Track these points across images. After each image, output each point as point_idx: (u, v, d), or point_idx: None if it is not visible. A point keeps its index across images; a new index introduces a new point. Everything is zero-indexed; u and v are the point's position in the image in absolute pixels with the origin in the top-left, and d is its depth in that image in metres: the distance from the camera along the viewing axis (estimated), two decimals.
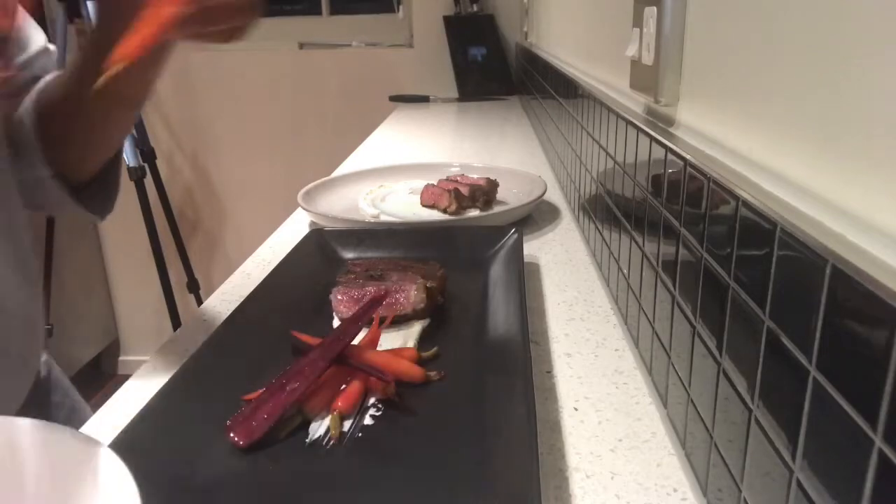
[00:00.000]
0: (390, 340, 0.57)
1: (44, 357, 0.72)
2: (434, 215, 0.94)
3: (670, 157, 0.46)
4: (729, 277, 0.35)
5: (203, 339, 0.55)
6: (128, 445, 0.39)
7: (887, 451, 0.21)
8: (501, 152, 1.40)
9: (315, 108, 2.37)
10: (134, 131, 2.03)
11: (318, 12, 2.47)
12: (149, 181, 2.06)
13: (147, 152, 2.07)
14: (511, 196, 0.99)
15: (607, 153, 0.69)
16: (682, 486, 0.42)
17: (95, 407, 0.57)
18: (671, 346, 0.46)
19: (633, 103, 0.63)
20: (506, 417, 0.44)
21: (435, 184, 0.99)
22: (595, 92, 0.78)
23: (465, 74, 2.17)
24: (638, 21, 0.57)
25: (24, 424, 0.38)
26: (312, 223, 0.93)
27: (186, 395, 0.48)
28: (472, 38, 2.19)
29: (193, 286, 2.27)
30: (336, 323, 0.62)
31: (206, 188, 2.48)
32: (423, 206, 0.98)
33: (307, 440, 0.45)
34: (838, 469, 0.25)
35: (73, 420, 0.72)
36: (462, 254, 0.74)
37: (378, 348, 0.56)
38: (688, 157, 0.42)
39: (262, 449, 0.44)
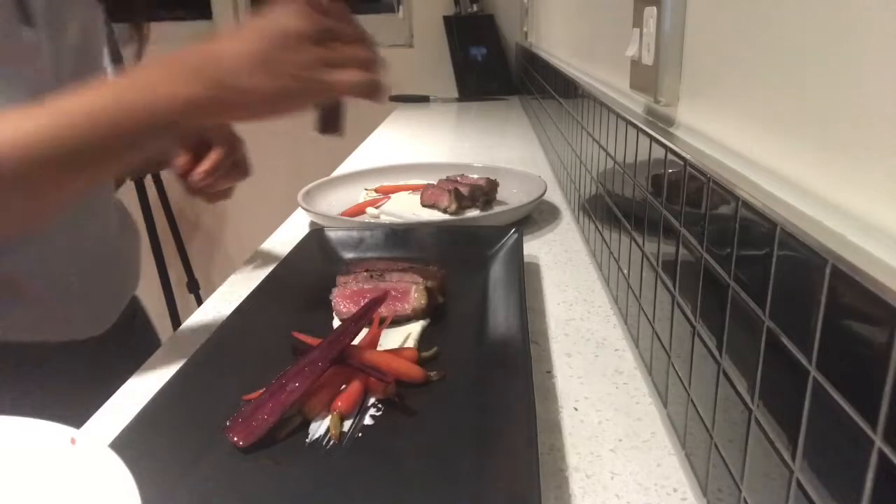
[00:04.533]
0: (390, 340, 0.57)
1: None
2: (434, 215, 0.94)
3: (670, 157, 0.46)
4: (729, 277, 0.35)
5: (203, 339, 0.55)
6: (128, 445, 0.39)
7: (887, 451, 0.21)
8: (501, 152, 1.40)
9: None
10: None
11: None
12: (149, 181, 2.06)
13: None
14: (511, 196, 0.99)
15: (607, 153, 0.69)
16: (682, 486, 0.42)
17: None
18: (671, 346, 0.46)
19: (633, 103, 0.63)
20: (506, 417, 0.44)
21: (435, 184, 0.99)
22: (595, 92, 0.78)
23: (465, 74, 2.17)
24: (638, 21, 0.57)
25: (25, 424, 0.38)
26: (312, 223, 0.93)
27: (186, 395, 0.48)
28: (472, 38, 2.19)
29: (193, 286, 2.27)
30: (336, 323, 0.62)
31: None
32: (423, 206, 0.97)
33: (307, 440, 0.45)
34: (838, 469, 0.25)
35: None
36: (462, 254, 0.74)
37: (378, 348, 0.56)
38: (688, 157, 0.42)
39: (262, 449, 0.44)
